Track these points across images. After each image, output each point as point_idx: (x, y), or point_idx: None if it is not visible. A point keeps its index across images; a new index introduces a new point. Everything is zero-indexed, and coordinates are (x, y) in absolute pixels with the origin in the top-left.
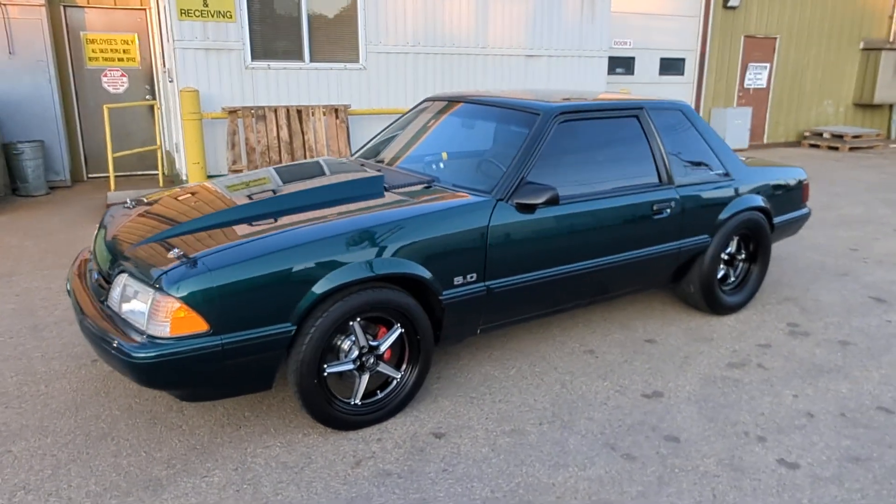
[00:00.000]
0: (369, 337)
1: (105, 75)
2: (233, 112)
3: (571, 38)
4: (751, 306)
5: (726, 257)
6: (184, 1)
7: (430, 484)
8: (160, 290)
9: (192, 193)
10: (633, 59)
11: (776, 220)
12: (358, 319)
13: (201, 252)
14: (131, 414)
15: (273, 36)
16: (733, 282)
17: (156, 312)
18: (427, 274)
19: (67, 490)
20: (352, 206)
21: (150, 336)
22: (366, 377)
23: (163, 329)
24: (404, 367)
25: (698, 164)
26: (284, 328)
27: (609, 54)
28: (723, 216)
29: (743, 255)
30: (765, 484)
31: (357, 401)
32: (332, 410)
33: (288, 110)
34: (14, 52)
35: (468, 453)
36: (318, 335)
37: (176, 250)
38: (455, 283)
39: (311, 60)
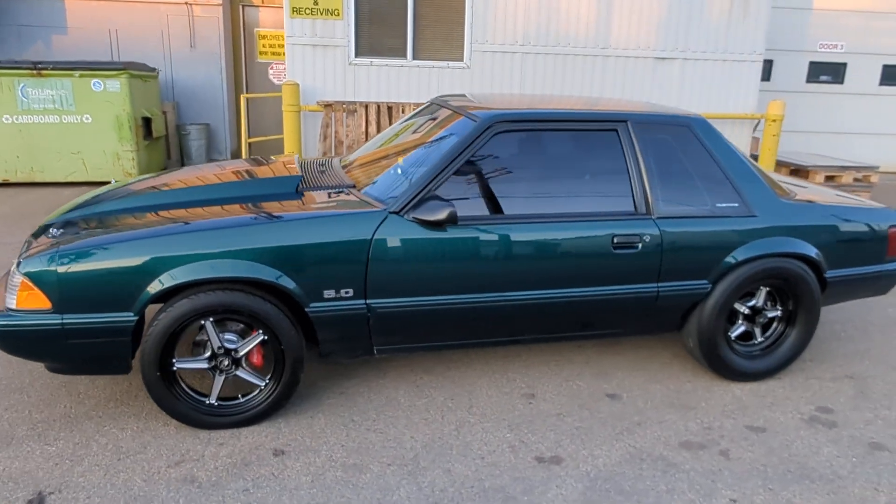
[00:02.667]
0: (228, 339)
1: (271, 68)
2: (328, 106)
3: (715, 37)
4: (791, 376)
5: (746, 311)
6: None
7: (217, 501)
8: (18, 265)
9: (158, 177)
10: (843, 65)
11: (832, 273)
12: (211, 319)
13: (67, 237)
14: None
15: (378, 33)
16: (761, 343)
17: (11, 285)
18: (289, 283)
19: None
20: (240, 206)
21: (6, 306)
22: (221, 378)
23: (12, 301)
24: (269, 376)
25: (701, 193)
26: (125, 317)
27: (778, 56)
28: (731, 260)
29: (778, 313)
30: None
31: (213, 401)
32: (179, 406)
33: (378, 106)
34: (195, 45)
35: (285, 479)
36: (161, 329)
37: (53, 231)
38: (325, 296)
39: (414, 58)
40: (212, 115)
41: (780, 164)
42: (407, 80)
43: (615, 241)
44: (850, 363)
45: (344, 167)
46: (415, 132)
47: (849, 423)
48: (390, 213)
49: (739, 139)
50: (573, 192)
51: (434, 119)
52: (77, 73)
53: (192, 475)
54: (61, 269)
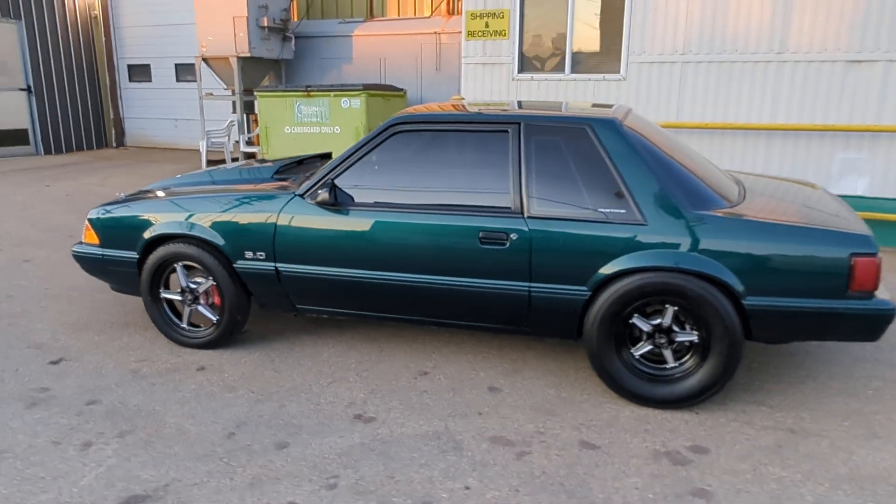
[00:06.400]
0: (196, 281)
1: None
2: None
3: None
4: (720, 412)
5: (649, 329)
6: (471, 24)
7: (132, 386)
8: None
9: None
10: None
11: (754, 301)
12: (180, 264)
13: (124, 198)
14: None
15: (539, 50)
16: (675, 368)
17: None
18: (220, 241)
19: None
20: (234, 185)
21: (81, 240)
22: (188, 310)
23: (82, 237)
24: (219, 315)
25: (582, 196)
26: (131, 255)
27: None
28: (611, 268)
29: (693, 338)
30: None
31: (184, 325)
32: (162, 324)
33: None
34: (440, 68)
35: (180, 384)
36: (150, 267)
37: (119, 194)
38: (246, 256)
39: (571, 72)
40: None
41: None
42: (564, 93)
43: (481, 235)
44: (821, 420)
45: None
46: None
47: (703, 468)
48: (296, 195)
49: None
50: (457, 188)
51: None
52: (332, 93)
53: (138, 369)
54: (104, 218)
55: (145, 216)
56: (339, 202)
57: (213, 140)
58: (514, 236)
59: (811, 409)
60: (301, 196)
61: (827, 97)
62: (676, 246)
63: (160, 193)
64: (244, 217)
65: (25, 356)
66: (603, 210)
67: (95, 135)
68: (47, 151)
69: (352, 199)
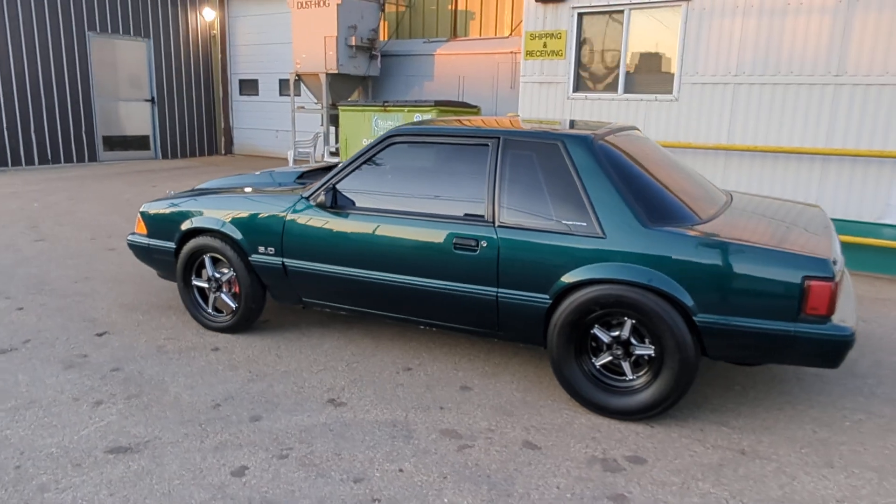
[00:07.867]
0: (221, 272)
1: None
2: None
3: None
4: (675, 428)
5: (607, 339)
6: (530, 45)
7: (151, 360)
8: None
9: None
10: None
11: (706, 318)
12: (208, 255)
13: (171, 196)
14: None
15: (593, 70)
16: (632, 380)
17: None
18: (239, 236)
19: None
20: (260, 188)
21: (135, 231)
22: (213, 296)
23: (134, 228)
24: (238, 304)
25: (548, 208)
26: (169, 245)
27: None
28: (568, 279)
29: (650, 352)
30: None
31: (210, 310)
32: (191, 307)
33: None
34: (514, 86)
35: (191, 361)
36: (183, 256)
37: (169, 191)
38: (259, 251)
39: (624, 92)
40: None
41: None
42: (616, 113)
43: (455, 241)
44: (778, 445)
45: None
46: None
47: (632, 477)
48: (303, 197)
49: None
50: (442, 196)
51: None
52: (406, 108)
53: (164, 346)
54: (150, 212)
55: (182, 211)
56: (337, 205)
57: (299, 150)
58: (484, 243)
59: (775, 433)
60: (307, 199)
61: (887, 122)
62: (631, 259)
63: (209, 191)
64: (260, 215)
65: (79, 327)
66: (566, 222)
67: (207, 142)
68: (164, 156)
69: (351, 202)
